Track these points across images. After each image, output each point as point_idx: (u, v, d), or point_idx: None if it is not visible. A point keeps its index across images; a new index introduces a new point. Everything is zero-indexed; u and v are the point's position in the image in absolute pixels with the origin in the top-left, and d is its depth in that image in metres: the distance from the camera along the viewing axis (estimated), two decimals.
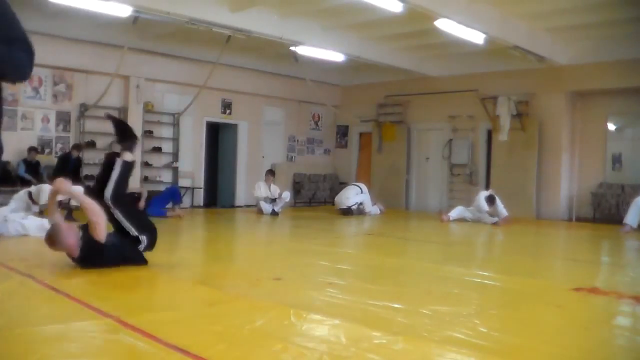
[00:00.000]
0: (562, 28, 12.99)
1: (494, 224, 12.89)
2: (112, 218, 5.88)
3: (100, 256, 5.64)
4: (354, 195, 14.68)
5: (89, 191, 6.63)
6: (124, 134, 6.49)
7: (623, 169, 14.89)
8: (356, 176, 18.67)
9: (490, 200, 13.15)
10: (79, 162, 13.40)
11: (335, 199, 15.11)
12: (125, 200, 6.17)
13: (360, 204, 14.67)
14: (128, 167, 6.10)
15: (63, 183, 5.82)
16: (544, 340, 3.89)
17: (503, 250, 10.03)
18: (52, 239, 5.57)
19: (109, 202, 5.79)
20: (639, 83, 13.48)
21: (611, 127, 15.10)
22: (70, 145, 13.60)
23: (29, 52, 2.59)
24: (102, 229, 5.57)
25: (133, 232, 5.89)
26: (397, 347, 3.58)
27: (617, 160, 14.95)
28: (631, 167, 14.77)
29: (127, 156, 6.14)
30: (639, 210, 11.71)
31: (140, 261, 5.92)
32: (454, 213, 13.57)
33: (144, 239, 5.91)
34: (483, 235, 11.70)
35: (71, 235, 5.56)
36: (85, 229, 5.67)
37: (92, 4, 10.38)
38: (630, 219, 11.78)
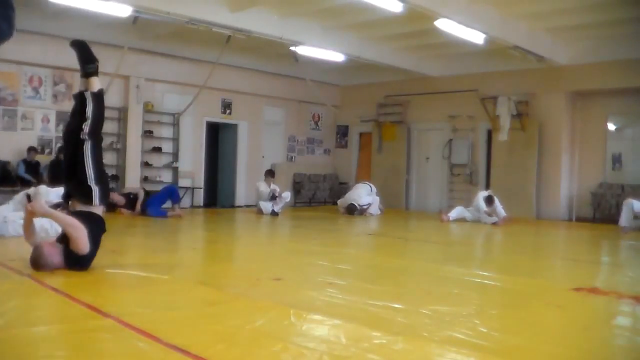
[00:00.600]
0: (562, 28, 13.00)
1: (494, 224, 12.89)
2: (76, 157, 5.80)
3: (85, 263, 5.59)
4: (365, 194, 14.69)
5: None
6: (88, 60, 6.32)
7: (623, 169, 14.91)
8: (356, 176, 18.67)
9: (489, 200, 13.15)
10: None
11: (345, 197, 15.04)
12: (101, 137, 6.09)
13: (368, 204, 14.68)
14: (100, 98, 6.06)
15: (36, 205, 5.71)
16: (544, 341, 3.89)
17: (503, 250, 10.02)
18: (37, 262, 5.47)
19: (86, 137, 5.74)
20: (638, 83, 13.50)
21: (611, 127, 15.11)
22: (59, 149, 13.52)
23: (6, 7, 2.21)
24: (84, 243, 5.47)
25: (89, 180, 5.75)
26: (397, 347, 3.58)
27: (617, 160, 14.96)
28: (631, 167, 14.79)
29: (95, 85, 6.07)
30: (629, 212, 11.75)
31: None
32: (454, 213, 13.57)
33: (96, 190, 5.77)
34: (483, 235, 11.70)
35: (54, 254, 5.48)
36: (66, 242, 5.56)
37: (92, 4, 10.39)
38: (623, 220, 11.81)
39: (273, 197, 13.94)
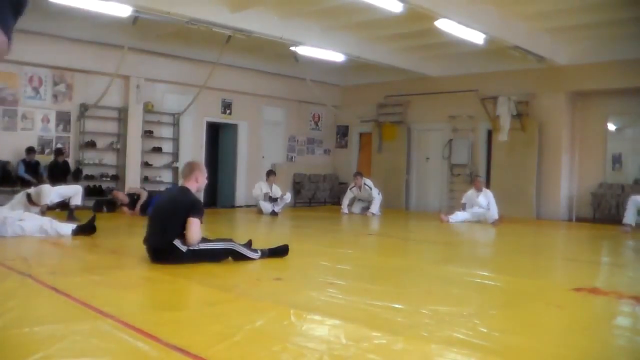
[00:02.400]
0: (562, 28, 13.00)
1: (492, 223, 12.94)
2: None
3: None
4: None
5: None
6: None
7: (623, 169, 14.93)
8: None
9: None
10: (66, 166, 13.39)
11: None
12: None
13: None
14: None
15: None
16: (545, 341, 3.89)
17: (503, 250, 10.02)
18: None
19: None
20: (638, 83, 13.51)
21: (611, 127, 15.12)
22: (54, 151, 13.55)
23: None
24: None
25: None
26: (397, 347, 3.58)
27: (617, 160, 14.97)
28: (631, 167, 14.82)
29: None
30: (634, 208, 11.77)
31: None
32: (454, 218, 13.46)
33: None
34: (483, 235, 11.71)
35: None
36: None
37: (92, 4, 10.39)
38: (628, 218, 11.82)
39: (271, 199, 13.94)
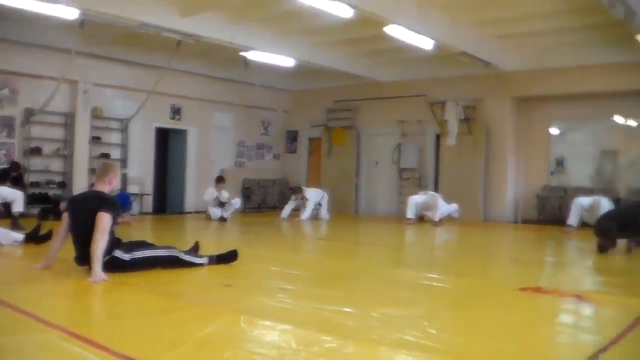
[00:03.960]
0: (509, 35, 13.25)
1: (435, 223, 13.42)
2: None
3: None
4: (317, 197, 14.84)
5: None
6: None
7: (566, 172, 15.34)
8: (306, 181, 18.72)
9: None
10: (19, 177, 12.95)
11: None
12: None
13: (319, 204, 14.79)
14: None
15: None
16: (492, 340, 3.98)
17: (451, 252, 10.17)
18: None
19: None
20: (581, 89, 13.95)
21: (554, 131, 15.50)
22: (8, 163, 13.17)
23: None
24: None
25: None
26: (347, 351, 3.62)
27: (560, 163, 15.39)
28: (573, 170, 15.26)
29: None
30: (578, 210, 12.13)
31: None
32: (410, 211, 13.81)
33: None
34: (432, 237, 11.86)
35: None
36: None
37: (38, 6, 10.14)
38: (572, 219, 12.18)
39: (221, 204, 13.88)
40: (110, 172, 6.26)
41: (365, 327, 4.20)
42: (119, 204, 6.43)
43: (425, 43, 12.19)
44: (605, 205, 11.27)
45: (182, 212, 16.57)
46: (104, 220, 5.74)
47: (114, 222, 5.96)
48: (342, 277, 6.68)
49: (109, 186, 6.22)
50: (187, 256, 6.48)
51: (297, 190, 14.90)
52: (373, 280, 6.47)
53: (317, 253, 9.45)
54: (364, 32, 12.61)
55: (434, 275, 6.57)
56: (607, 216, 9.25)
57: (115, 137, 15.35)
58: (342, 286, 6.02)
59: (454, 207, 14.37)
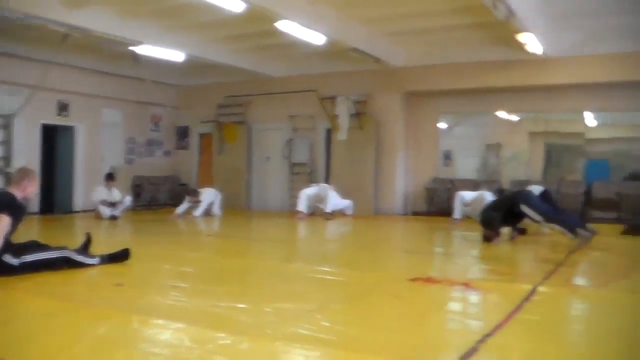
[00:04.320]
0: (398, 32, 13.50)
1: (326, 216, 13.66)
2: None
3: None
4: (210, 195, 14.65)
5: None
6: None
7: (453, 164, 15.90)
8: (197, 177, 18.50)
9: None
10: None
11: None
12: None
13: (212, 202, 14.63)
14: None
15: None
16: (384, 330, 4.05)
17: (344, 246, 10.30)
18: None
19: None
20: (467, 85, 14.45)
21: (442, 125, 15.99)
22: None
23: None
24: None
25: None
26: (242, 347, 3.59)
27: (447, 156, 15.92)
28: (460, 162, 15.85)
29: None
30: (460, 203, 12.63)
31: None
32: (301, 204, 13.90)
33: None
34: (323, 231, 11.97)
35: None
36: None
37: None
38: (457, 213, 12.68)
39: (111, 204, 13.53)
40: (25, 178, 6.13)
41: (260, 322, 4.18)
42: (24, 210, 6.19)
43: (316, 38, 12.26)
44: (489, 198, 11.73)
45: (70, 211, 15.99)
46: (3, 222, 5.61)
47: (13, 228, 5.81)
48: (235, 273, 6.64)
49: (22, 192, 6.04)
50: (79, 256, 6.28)
51: (192, 193, 14.65)
52: (266, 275, 6.47)
53: (209, 250, 9.35)
54: (255, 27, 12.55)
55: (326, 269, 6.63)
56: (490, 207, 9.65)
57: None
58: (235, 282, 5.98)
59: (347, 203, 14.53)
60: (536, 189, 10.26)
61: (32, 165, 14.85)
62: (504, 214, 9.05)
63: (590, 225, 9.40)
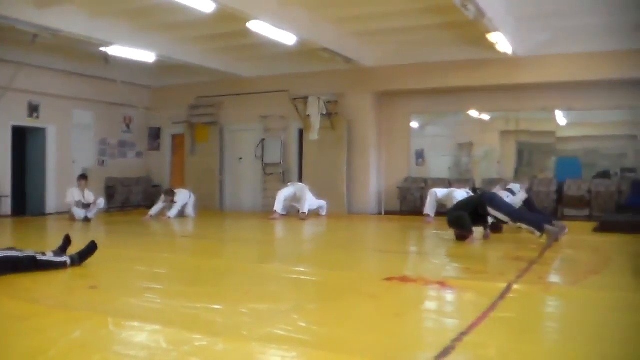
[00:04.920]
0: (368, 32, 13.55)
1: (302, 216, 13.68)
2: None
3: None
4: (183, 197, 14.55)
5: None
6: None
7: (425, 163, 15.99)
8: (170, 178, 18.40)
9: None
10: None
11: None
12: None
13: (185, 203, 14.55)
14: None
15: None
16: (360, 330, 4.07)
17: (318, 246, 10.30)
18: None
19: None
20: (437, 84, 14.57)
21: (414, 125, 16.08)
22: None
23: None
24: None
25: None
26: (218, 348, 3.58)
27: (420, 155, 16.02)
28: (432, 162, 15.95)
29: None
30: (433, 199, 12.73)
31: None
32: (278, 205, 13.90)
33: None
34: (298, 232, 11.95)
35: None
36: None
37: None
38: (428, 209, 12.75)
39: (84, 206, 13.42)
40: None
41: (235, 323, 4.17)
42: None
43: (287, 39, 12.27)
44: (459, 196, 11.82)
45: (43, 213, 15.80)
46: None
47: None
48: (209, 274, 6.60)
49: None
50: (45, 257, 6.20)
51: (168, 193, 14.55)
52: (241, 276, 6.45)
53: (183, 251, 9.31)
54: (226, 27, 12.51)
55: (301, 269, 6.63)
56: (456, 207, 9.74)
57: None
58: (210, 283, 5.96)
59: (322, 203, 14.55)
60: (515, 187, 10.44)
61: (3, 168, 14.80)
62: (471, 214, 9.13)
63: (561, 222, 9.51)
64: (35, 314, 4.47)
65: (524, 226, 8.76)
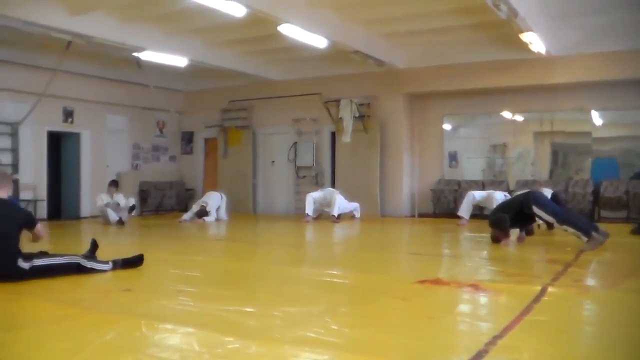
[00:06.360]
0: (399, 34, 13.50)
1: (334, 221, 13.59)
2: None
3: None
4: (215, 200, 14.59)
5: None
6: None
7: (459, 165, 15.86)
8: (203, 182, 18.52)
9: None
10: None
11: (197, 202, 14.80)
12: None
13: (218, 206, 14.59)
14: None
15: None
16: (392, 333, 4.03)
17: (350, 249, 10.26)
18: None
19: None
20: (469, 86, 14.45)
21: (447, 127, 15.97)
22: None
23: None
24: None
25: None
26: (250, 351, 3.58)
27: (453, 157, 15.90)
28: (465, 163, 15.80)
29: None
30: (469, 202, 12.57)
31: None
32: (308, 208, 13.88)
33: None
34: (330, 235, 11.93)
35: None
36: None
37: None
38: (463, 211, 12.60)
39: (116, 206, 13.57)
40: (3, 179, 6.10)
41: (267, 326, 4.16)
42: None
43: (319, 42, 12.27)
44: (499, 197, 11.68)
45: (78, 217, 16.02)
46: (41, 230, 6.19)
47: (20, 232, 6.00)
48: (242, 277, 6.62)
49: (6, 194, 6.04)
50: (89, 263, 6.28)
51: (202, 214, 14.26)
52: (273, 279, 6.45)
53: (216, 254, 9.34)
54: (257, 31, 12.56)
55: (333, 272, 6.61)
56: (499, 208, 9.58)
57: (4, 142, 14.59)
58: (242, 286, 5.97)
59: (354, 205, 14.51)
60: (546, 191, 10.23)
61: (38, 173, 15.03)
62: (514, 215, 8.96)
63: (602, 228, 9.32)
64: (70, 316, 4.52)
65: (570, 229, 8.45)
